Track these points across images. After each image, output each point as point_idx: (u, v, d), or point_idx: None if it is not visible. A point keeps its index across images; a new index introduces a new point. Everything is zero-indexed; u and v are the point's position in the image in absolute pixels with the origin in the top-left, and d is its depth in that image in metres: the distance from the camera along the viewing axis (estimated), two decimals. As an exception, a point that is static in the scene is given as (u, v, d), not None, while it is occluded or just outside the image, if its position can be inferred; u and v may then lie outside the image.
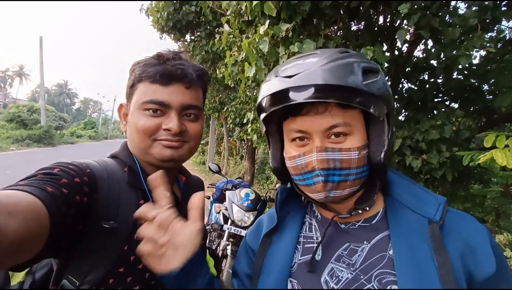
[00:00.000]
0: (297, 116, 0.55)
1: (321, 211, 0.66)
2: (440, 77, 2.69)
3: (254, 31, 2.50)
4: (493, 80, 2.48)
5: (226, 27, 2.96)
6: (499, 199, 3.26)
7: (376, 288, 0.53)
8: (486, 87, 2.65)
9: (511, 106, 2.16)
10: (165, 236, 0.51)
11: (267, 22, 2.10)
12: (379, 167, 0.57)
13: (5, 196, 0.44)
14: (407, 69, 2.69)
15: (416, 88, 2.73)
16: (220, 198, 3.35)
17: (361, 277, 0.55)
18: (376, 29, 2.64)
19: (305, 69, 0.52)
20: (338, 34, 2.51)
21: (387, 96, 0.55)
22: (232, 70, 2.73)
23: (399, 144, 2.23)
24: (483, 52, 2.62)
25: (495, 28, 2.42)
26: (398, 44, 2.58)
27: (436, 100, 2.69)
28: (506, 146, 1.52)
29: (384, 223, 0.59)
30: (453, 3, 2.16)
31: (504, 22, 2.33)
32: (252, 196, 2.80)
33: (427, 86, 2.65)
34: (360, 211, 0.59)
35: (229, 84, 3.21)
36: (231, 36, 2.93)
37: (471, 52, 1.92)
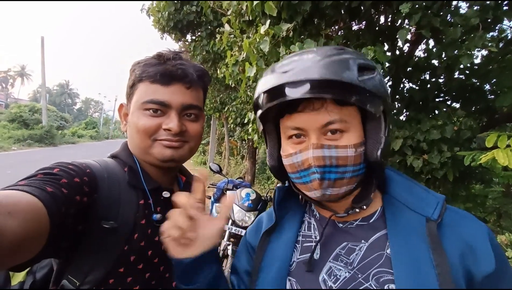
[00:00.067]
0: (293, 113, 0.55)
1: (320, 210, 0.66)
2: (442, 77, 2.69)
3: (255, 31, 2.50)
4: (494, 80, 2.48)
5: (227, 27, 2.96)
6: (500, 199, 3.25)
7: (374, 287, 0.53)
8: (487, 87, 2.64)
9: (513, 106, 2.16)
10: (192, 228, 0.52)
11: (268, 22, 2.10)
12: (376, 165, 0.56)
13: (5, 196, 0.45)
14: (408, 69, 2.69)
15: (417, 88, 2.73)
16: (221, 198, 3.35)
17: (359, 276, 0.55)
18: (377, 29, 2.63)
19: (301, 64, 0.52)
20: (339, 34, 2.51)
21: (384, 93, 0.55)
22: (233, 70, 2.73)
23: (400, 144, 2.22)
24: (484, 52, 2.60)
25: (497, 27, 2.42)
26: (399, 44, 2.57)
27: (437, 100, 2.68)
28: (508, 146, 1.51)
29: (381, 222, 0.59)
30: (454, 2, 2.15)
31: (505, 22, 2.33)
32: (253, 196, 2.81)
33: (428, 86, 2.65)
34: (357, 210, 0.59)
35: (230, 84, 3.20)
36: (232, 36, 2.92)
37: (472, 52, 1.91)
